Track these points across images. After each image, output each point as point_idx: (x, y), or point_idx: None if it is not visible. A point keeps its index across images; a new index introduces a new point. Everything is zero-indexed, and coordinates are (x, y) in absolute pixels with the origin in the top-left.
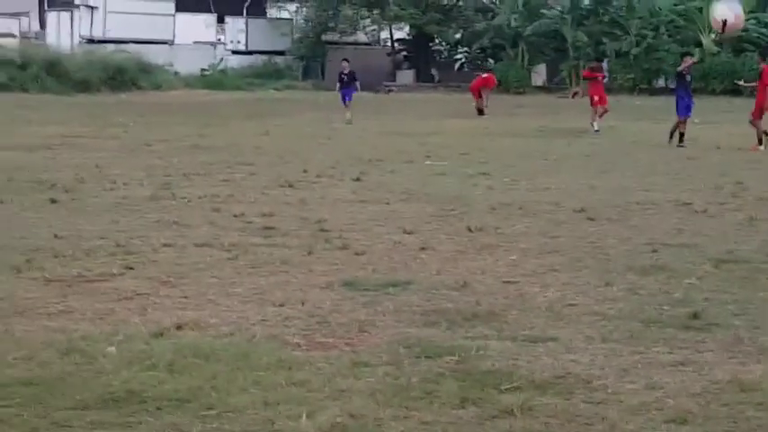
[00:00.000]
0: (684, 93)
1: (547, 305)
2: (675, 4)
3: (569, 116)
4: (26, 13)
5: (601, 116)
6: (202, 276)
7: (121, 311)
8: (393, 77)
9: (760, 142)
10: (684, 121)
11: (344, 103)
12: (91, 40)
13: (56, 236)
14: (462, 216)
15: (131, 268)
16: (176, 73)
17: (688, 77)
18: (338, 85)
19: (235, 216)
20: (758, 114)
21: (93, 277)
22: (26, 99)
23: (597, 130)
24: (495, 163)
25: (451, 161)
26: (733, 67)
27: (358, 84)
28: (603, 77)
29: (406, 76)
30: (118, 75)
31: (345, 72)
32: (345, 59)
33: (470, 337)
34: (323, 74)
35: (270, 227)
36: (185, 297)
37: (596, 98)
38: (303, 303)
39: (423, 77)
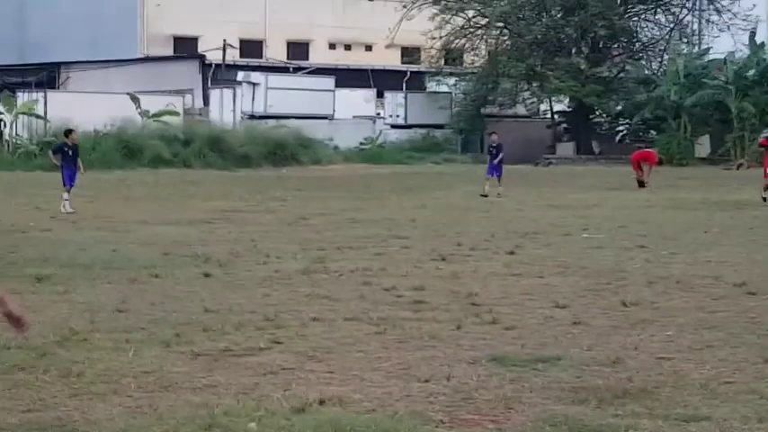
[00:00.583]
0: None
1: (702, 382)
2: None
3: (733, 188)
4: (190, 91)
5: None
6: (349, 351)
7: (266, 386)
8: (553, 150)
9: None
10: None
11: (492, 175)
12: (252, 116)
13: (206, 310)
14: (618, 290)
15: (279, 342)
16: (336, 147)
17: None
18: (488, 157)
19: (385, 290)
20: None
21: (240, 351)
22: (189, 174)
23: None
24: (655, 236)
25: (609, 234)
26: None
27: (501, 156)
28: None
29: (565, 148)
30: (278, 149)
31: (494, 145)
32: (494, 132)
33: (620, 416)
34: (482, 147)
35: (420, 301)
36: (330, 372)
37: None
38: (449, 379)
39: (583, 150)
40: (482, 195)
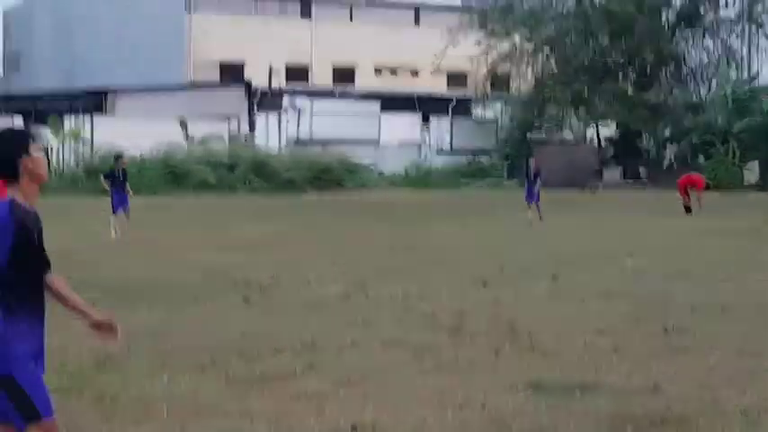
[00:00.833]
0: None
1: (742, 410)
2: None
3: None
4: (236, 116)
5: None
6: (385, 376)
7: (299, 412)
8: (600, 175)
9: None
10: None
11: (531, 201)
12: (298, 142)
13: (243, 334)
14: (660, 316)
15: (315, 367)
16: (381, 173)
17: None
18: (526, 182)
19: (424, 315)
20: None
21: (275, 376)
22: (234, 199)
23: None
24: (700, 262)
25: (654, 260)
26: None
27: (539, 181)
28: None
29: (612, 173)
30: (323, 174)
31: (533, 169)
32: (532, 158)
33: None
34: (527, 172)
35: (459, 326)
36: (365, 398)
37: None
38: (484, 406)
39: (630, 175)
40: (527, 221)
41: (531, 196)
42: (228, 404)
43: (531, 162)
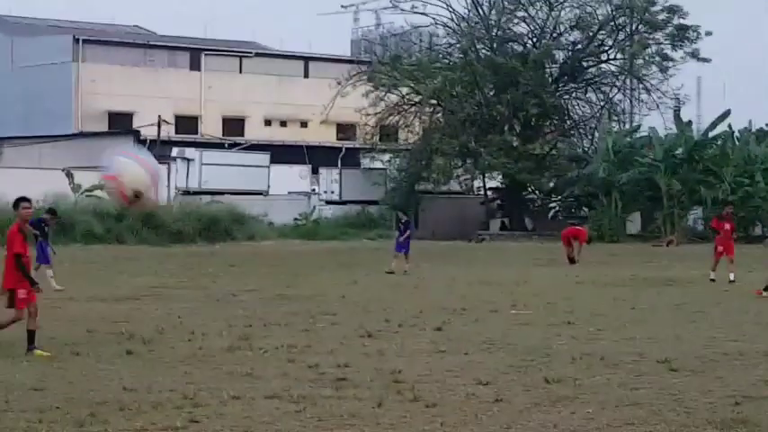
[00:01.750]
0: None
1: None
2: None
3: (662, 265)
4: None
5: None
6: (267, 430)
7: None
8: (486, 226)
9: None
10: None
11: (401, 252)
12: (187, 192)
13: (125, 388)
14: (542, 367)
15: (196, 421)
16: (270, 223)
17: None
18: (397, 233)
19: (309, 367)
20: None
21: (155, 431)
22: (122, 250)
23: (713, 280)
24: (582, 312)
25: (537, 310)
26: None
27: (409, 232)
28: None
29: (499, 224)
30: (212, 225)
31: (402, 221)
32: (402, 211)
33: None
34: (416, 223)
35: (343, 378)
36: None
37: (720, 248)
38: None
39: (516, 226)
40: (388, 272)
41: (401, 247)
42: None
43: (400, 214)
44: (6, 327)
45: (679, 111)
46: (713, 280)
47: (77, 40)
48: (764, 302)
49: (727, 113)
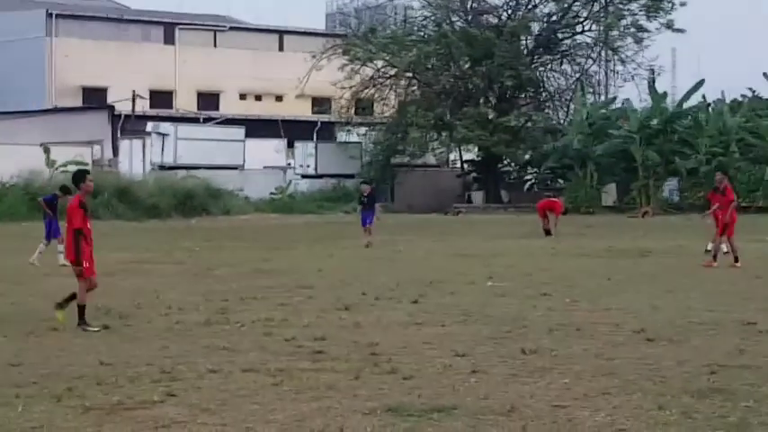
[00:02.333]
0: None
1: (595, 430)
2: (745, 122)
3: (638, 236)
4: (99, 141)
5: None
6: (244, 403)
7: None
8: (462, 199)
9: None
10: None
11: (364, 226)
12: (162, 167)
13: (102, 363)
14: (518, 338)
15: (173, 395)
16: (246, 197)
17: None
18: (359, 207)
19: (286, 340)
20: None
21: (132, 405)
22: (97, 225)
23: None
24: (558, 284)
25: (514, 282)
26: None
27: (378, 206)
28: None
29: (475, 197)
30: (188, 200)
31: (366, 194)
32: (365, 182)
33: None
34: (392, 196)
35: (320, 351)
36: (224, 425)
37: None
38: (342, 430)
39: (492, 198)
40: (366, 246)
41: (364, 221)
42: None
43: (364, 186)
44: (82, 298)
45: (653, 81)
46: (727, 253)
47: (50, 14)
48: (739, 272)
49: (700, 83)
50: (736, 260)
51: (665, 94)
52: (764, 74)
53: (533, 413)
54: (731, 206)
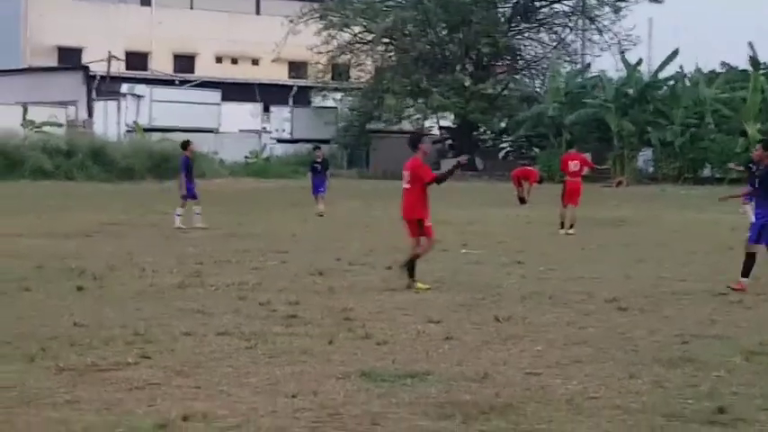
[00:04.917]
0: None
1: (567, 398)
2: (720, 93)
3: (612, 205)
4: (74, 102)
5: None
6: (218, 366)
7: (130, 402)
8: (438, 166)
9: None
10: None
11: (316, 194)
12: (130, 131)
13: (75, 324)
14: (491, 305)
15: (147, 357)
16: (221, 161)
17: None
18: (310, 174)
19: (260, 304)
20: None
21: (106, 366)
22: (71, 187)
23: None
24: (532, 252)
25: (488, 250)
26: None
27: (329, 173)
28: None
29: (450, 164)
30: (162, 163)
31: (319, 161)
32: (317, 147)
33: (485, 431)
34: (368, 162)
35: (294, 315)
36: (197, 387)
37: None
38: (316, 394)
39: (467, 166)
40: (319, 215)
41: (316, 188)
42: (57, 394)
43: (318, 152)
44: (422, 256)
45: (624, 53)
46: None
47: None
48: (711, 243)
49: (675, 53)
50: None
51: (639, 61)
52: (749, 43)
53: (506, 380)
54: None
